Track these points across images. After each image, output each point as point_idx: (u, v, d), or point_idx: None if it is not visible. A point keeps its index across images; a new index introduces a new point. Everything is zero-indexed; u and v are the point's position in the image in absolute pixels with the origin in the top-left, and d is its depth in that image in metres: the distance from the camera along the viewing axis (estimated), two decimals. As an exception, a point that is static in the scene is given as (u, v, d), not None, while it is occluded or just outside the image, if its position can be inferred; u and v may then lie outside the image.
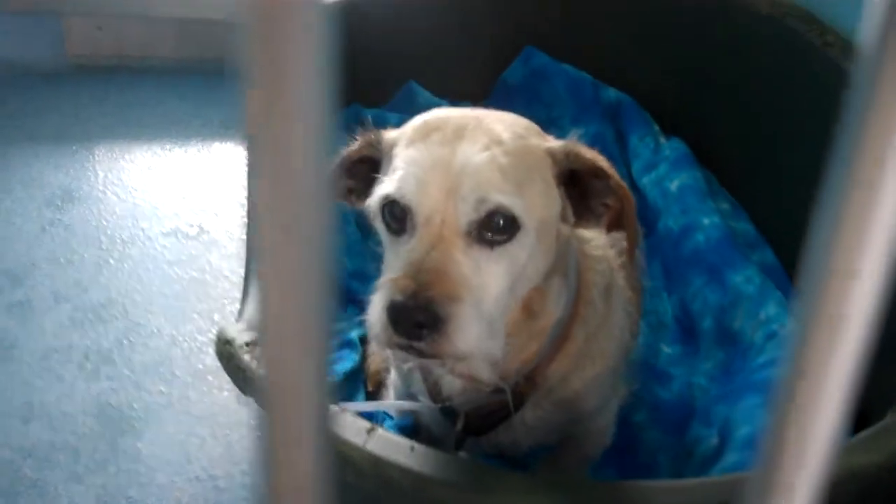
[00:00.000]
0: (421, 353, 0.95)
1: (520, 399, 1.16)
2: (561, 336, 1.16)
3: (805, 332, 0.38)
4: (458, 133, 1.01)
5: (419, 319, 0.92)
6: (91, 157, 2.30)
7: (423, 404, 1.25)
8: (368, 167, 1.12)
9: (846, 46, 1.65)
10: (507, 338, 1.06)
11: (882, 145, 0.34)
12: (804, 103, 1.73)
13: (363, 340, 1.57)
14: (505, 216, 0.98)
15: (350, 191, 1.16)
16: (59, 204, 2.14)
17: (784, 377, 0.39)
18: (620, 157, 1.96)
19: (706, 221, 1.71)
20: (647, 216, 1.81)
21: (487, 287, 0.98)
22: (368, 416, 1.36)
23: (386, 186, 1.01)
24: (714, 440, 1.38)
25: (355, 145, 1.13)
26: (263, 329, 0.37)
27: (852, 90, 0.34)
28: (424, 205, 0.98)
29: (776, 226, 1.77)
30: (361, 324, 1.58)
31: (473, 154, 0.98)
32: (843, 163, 0.35)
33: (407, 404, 1.29)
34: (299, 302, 0.36)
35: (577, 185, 1.08)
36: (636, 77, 2.04)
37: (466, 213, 0.97)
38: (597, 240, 1.24)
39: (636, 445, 1.47)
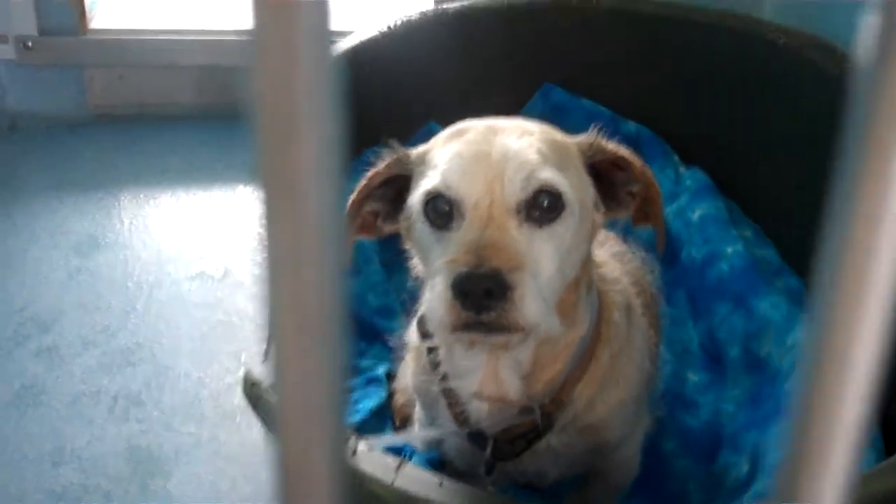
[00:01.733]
0: (489, 328, 0.95)
1: (547, 420, 1.17)
2: (586, 356, 1.16)
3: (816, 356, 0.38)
4: (492, 130, 1.04)
5: (488, 286, 0.92)
6: (116, 203, 2.33)
7: (451, 431, 1.25)
8: (395, 189, 1.13)
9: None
10: (539, 346, 1.09)
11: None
12: (822, 131, 1.73)
13: (389, 377, 1.58)
14: (551, 194, 1.00)
15: (376, 214, 1.16)
16: (86, 251, 2.16)
17: (799, 391, 0.39)
18: (641, 189, 1.96)
19: (729, 250, 1.71)
20: (670, 246, 1.82)
21: (541, 263, 0.99)
22: (396, 450, 1.36)
23: (429, 181, 1.03)
24: (744, 467, 1.38)
25: (381, 166, 1.14)
26: (278, 373, 0.38)
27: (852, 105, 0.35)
28: (472, 191, 0.99)
29: (799, 252, 1.76)
30: (387, 360, 1.59)
31: (512, 142, 1.01)
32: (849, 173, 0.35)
33: (434, 432, 1.29)
34: (314, 345, 0.37)
35: (601, 178, 1.11)
36: (654, 110, 2.05)
37: (514, 194, 0.99)
38: (610, 265, 1.27)
39: (665, 474, 1.46)
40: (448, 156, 1.02)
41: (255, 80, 0.31)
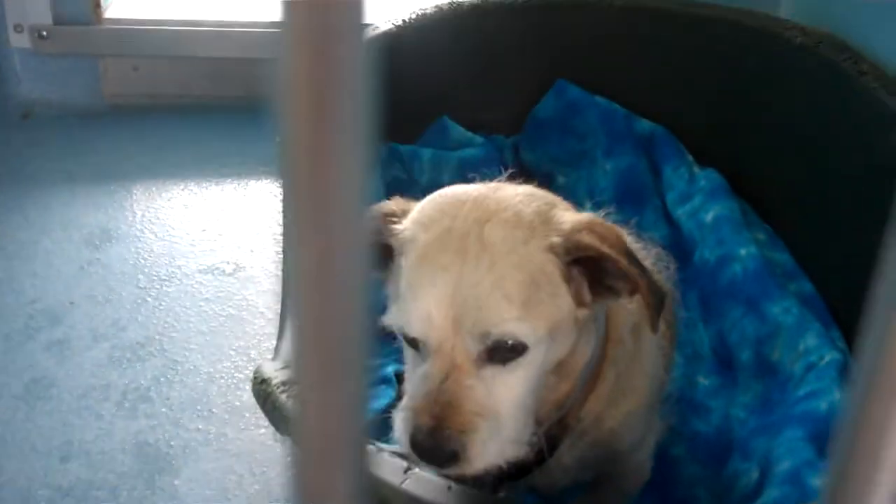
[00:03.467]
0: (448, 477, 1.04)
1: (553, 443, 1.16)
2: (591, 377, 1.15)
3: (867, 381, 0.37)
4: (461, 248, 1.02)
5: (439, 456, 1.01)
6: (129, 196, 2.33)
7: None
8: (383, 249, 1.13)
9: (881, 75, 1.64)
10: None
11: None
12: (839, 131, 1.72)
13: (399, 377, 1.57)
14: (513, 339, 1.02)
15: None
16: (97, 243, 2.15)
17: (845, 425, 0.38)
18: (654, 188, 1.95)
19: (743, 252, 1.70)
20: (683, 247, 1.80)
21: (505, 402, 1.03)
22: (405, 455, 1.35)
23: (395, 319, 1.06)
24: (754, 474, 1.37)
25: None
26: (298, 373, 0.37)
27: None
28: (433, 337, 1.02)
29: (814, 256, 1.75)
30: (397, 359, 1.58)
31: (475, 284, 1.00)
32: None
33: None
34: (335, 345, 0.36)
35: (591, 262, 1.07)
36: (669, 108, 2.03)
37: (473, 345, 1.01)
38: None
39: (674, 480, 1.45)
40: (412, 294, 1.04)
41: (285, 73, 0.30)
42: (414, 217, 1.10)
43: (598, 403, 1.17)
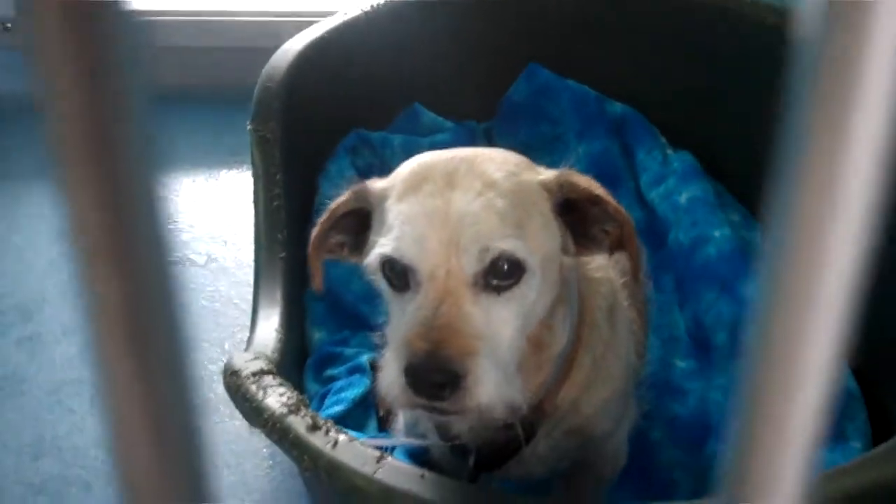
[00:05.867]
0: (444, 412, 0.95)
1: (530, 430, 1.14)
2: (567, 363, 1.13)
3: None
4: (450, 180, 0.99)
5: (438, 380, 0.92)
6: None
7: (434, 442, 1.23)
8: (358, 220, 1.10)
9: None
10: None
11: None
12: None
13: (373, 365, 1.56)
14: (509, 261, 0.97)
15: (342, 245, 1.14)
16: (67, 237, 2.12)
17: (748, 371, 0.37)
18: (628, 171, 1.94)
19: (717, 234, 1.69)
20: (657, 230, 1.80)
21: (500, 334, 0.97)
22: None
23: (383, 247, 1.00)
24: (732, 456, 1.36)
25: (342, 199, 1.11)
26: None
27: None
28: (426, 261, 0.96)
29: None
30: (371, 348, 1.57)
31: (469, 201, 0.96)
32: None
33: (417, 441, 1.28)
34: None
35: (575, 213, 1.05)
36: (641, 90, 2.03)
37: (470, 265, 0.96)
38: (597, 260, 1.21)
39: (653, 464, 1.45)
40: (402, 218, 0.99)
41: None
42: (395, 172, 1.07)
43: (575, 389, 1.16)
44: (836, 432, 1.39)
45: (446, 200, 0.97)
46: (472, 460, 1.17)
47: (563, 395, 1.15)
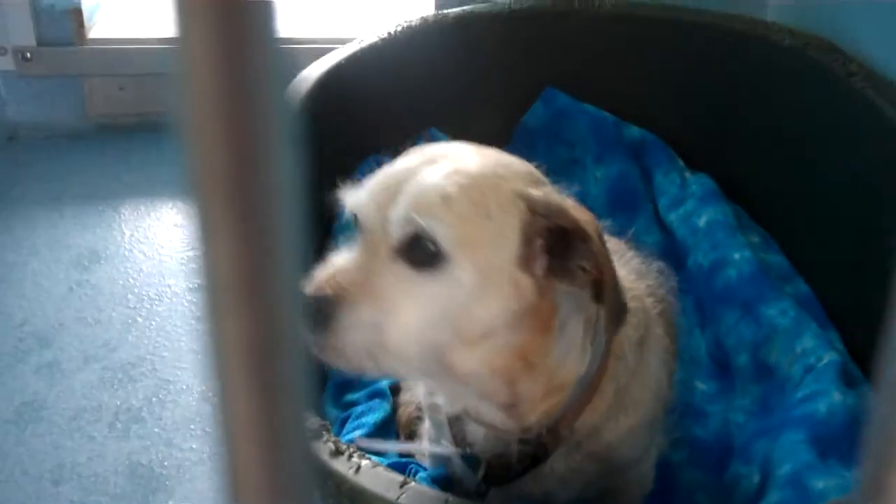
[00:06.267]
0: (319, 347, 0.98)
1: (543, 451, 1.14)
2: (588, 390, 1.12)
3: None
4: (434, 157, 1.02)
5: (310, 313, 0.96)
6: (117, 216, 2.31)
7: (446, 449, 1.23)
8: None
9: (870, 75, 1.64)
10: (506, 385, 1.05)
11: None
12: (830, 133, 1.71)
13: (394, 390, 1.56)
14: (433, 242, 0.96)
15: None
16: (86, 264, 2.14)
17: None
18: (646, 194, 1.94)
19: (737, 256, 1.69)
20: (677, 253, 1.79)
21: (405, 306, 0.97)
22: (401, 468, 1.34)
23: (349, 197, 1.04)
24: (755, 478, 1.35)
25: None
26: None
27: None
28: (368, 218, 1.00)
29: (808, 257, 1.74)
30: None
31: (430, 177, 0.98)
32: None
33: (435, 448, 1.27)
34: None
35: (563, 241, 1.02)
36: (658, 114, 2.03)
37: (395, 231, 0.97)
38: (634, 290, 1.18)
39: (675, 486, 1.44)
40: (376, 175, 1.03)
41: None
42: None
43: (595, 416, 1.15)
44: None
45: (415, 171, 0.99)
46: (481, 472, 1.17)
47: (583, 421, 1.14)
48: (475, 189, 0.98)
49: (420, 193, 0.97)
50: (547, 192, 1.04)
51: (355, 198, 1.02)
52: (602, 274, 1.00)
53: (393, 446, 1.37)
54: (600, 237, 1.01)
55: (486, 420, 1.12)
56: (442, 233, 0.96)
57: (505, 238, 1.00)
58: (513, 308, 1.01)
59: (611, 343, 1.12)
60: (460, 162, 1.01)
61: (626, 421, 1.17)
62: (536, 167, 1.09)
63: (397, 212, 0.97)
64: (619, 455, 1.21)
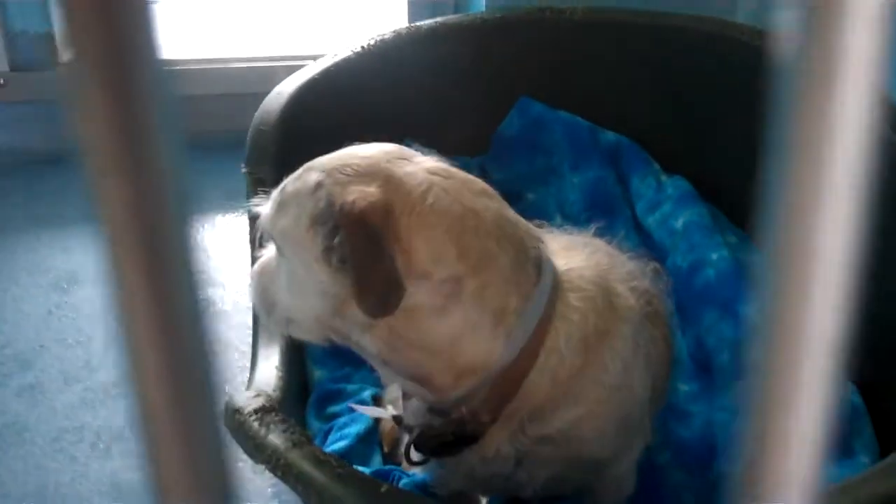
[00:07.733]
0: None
1: (477, 428, 1.14)
2: (508, 382, 1.12)
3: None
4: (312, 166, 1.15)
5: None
6: (94, 239, 2.30)
7: (384, 412, 1.37)
8: None
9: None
10: (404, 361, 1.11)
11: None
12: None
13: (376, 400, 1.55)
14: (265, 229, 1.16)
15: None
16: (65, 286, 2.13)
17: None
18: (624, 199, 1.95)
19: (715, 256, 1.70)
20: (655, 256, 1.79)
21: (281, 284, 1.16)
22: (384, 476, 1.33)
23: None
24: (740, 476, 1.35)
25: None
26: None
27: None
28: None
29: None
30: (374, 383, 1.57)
31: (310, 178, 1.11)
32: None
33: (375, 410, 1.44)
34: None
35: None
36: (632, 117, 2.04)
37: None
38: (588, 291, 1.18)
39: (660, 488, 1.44)
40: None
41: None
42: None
43: (529, 403, 1.14)
44: (844, 448, 1.39)
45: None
46: (410, 437, 1.21)
47: (515, 407, 1.14)
48: (302, 185, 1.11)
49: (292, 190, 1.12)
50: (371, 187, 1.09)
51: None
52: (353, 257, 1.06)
53: (372, 411, 1.46)
54: (364, 223, 1.04)
55: (410, 391, 1.19)
56: (267, 223, 1.14)
57: (297, 232, 1.11)
58: (330, 292, 1.09)
59: (543, 336, 1.13)
60: (322, 164, 1.13)
61: (576, 410, 1.16)
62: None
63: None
64: (585, 448, 1.20)
